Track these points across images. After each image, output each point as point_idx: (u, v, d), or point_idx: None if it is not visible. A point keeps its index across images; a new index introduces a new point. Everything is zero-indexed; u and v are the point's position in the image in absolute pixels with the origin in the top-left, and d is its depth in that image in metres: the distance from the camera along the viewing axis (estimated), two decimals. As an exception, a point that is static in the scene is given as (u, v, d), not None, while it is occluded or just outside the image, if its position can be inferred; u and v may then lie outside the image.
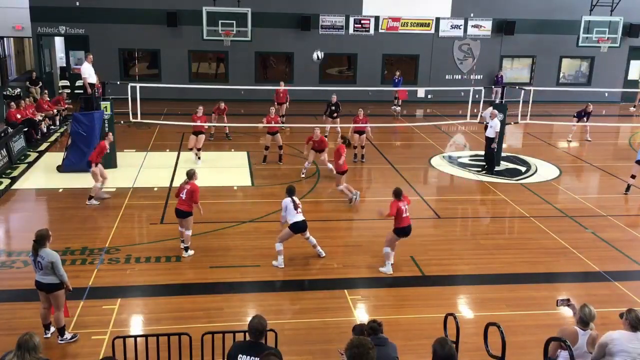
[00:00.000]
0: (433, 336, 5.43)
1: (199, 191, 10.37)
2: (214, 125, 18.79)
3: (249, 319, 8.56)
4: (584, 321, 6.19)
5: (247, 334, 6.34)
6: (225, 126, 19.19)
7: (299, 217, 10.16)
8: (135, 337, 7.26)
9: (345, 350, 4.70)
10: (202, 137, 16.54)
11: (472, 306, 9.37)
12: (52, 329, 8.04)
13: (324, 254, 10.70)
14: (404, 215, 9.93)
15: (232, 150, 18.22)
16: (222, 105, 18.78)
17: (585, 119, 20.08)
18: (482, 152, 17.38)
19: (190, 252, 10.62)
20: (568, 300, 6.61)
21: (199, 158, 16.51)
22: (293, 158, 17.18)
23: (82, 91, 16.62)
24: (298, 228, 10.21)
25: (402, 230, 10.05)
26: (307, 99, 23.06)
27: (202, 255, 10.66)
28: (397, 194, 9.92)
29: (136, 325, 8.52)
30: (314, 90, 22.54)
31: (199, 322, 8.29)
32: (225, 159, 17.27)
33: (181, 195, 10.36)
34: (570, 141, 20.57)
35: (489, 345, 6.87)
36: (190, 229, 10.56)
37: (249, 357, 5.37)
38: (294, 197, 10.20)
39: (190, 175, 10.48)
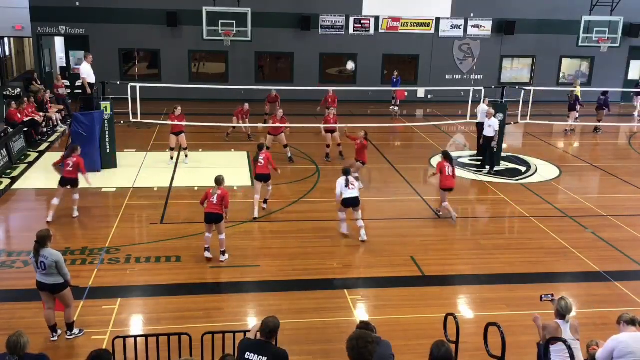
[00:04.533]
0: (433, 336, 5.45)
1: (229, 195, 10.47)
2: (233, 126, 18.70)
3: (249, 319, 8.71)
4: (561, 314, 6.40)
5: (246, 333, 6.40)
6: (248, 127, 19.13)
7: (352, 193, 11.37)
8: (135, 337, 7.26)
9: (346, 343, 4.78)
10: (183, 136, 16.42)
11: (472, 306, 9.38)
12: (59, 331, 8.01)
13: (365, 238, 11.47)
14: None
15: (232, 150, 18.21)
16: (247, 107, 18.56)
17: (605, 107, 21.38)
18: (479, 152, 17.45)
19: (227, 255, 10.57)
20: (552, 295, 6.77)
21: (186, 156, 16.52)
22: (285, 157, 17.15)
23: (81, 91, 16.62)
24: (348, 203, 11.39)
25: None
26: (308, 98, 23.05)
27: (202, 255, 10.64)
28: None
29: (136, 325, 8.52)
30: (314, 90, 22.58)
31: (199, 322, 8.29)
32: (225, 159, 17.26)
33: (211, 199, 10.27)
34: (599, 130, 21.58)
35: (489, 345, 6.88)
36: (224, 234, 10.51)
37: (256, 355, 5.38)
38: (349, 177, 11.43)
39: (220, 181, 10.47)
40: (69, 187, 12.18)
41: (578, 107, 21.78)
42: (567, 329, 6.33)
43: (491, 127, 15.93)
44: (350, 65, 16.73)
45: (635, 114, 25.60)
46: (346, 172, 11.58)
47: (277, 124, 16.78)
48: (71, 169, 12.08)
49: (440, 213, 12.99)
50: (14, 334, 5.59)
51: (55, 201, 12.13)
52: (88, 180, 12.42)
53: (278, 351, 5.51)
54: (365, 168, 16.47)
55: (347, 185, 11.37)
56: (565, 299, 6.46)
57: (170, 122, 16.29)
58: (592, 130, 21.99)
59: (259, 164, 12.57)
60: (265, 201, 13.11)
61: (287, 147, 16.89)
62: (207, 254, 10.54)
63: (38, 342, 7.54)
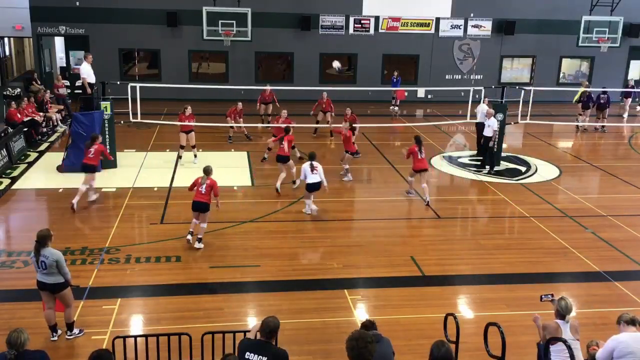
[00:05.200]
0: (433, 336, 5.45)
1: (217, 185, 10.80)
2: (230, 126, 18.69)
3: (249, 319, 8.71)
4: (560, 314, 6.42)
5: (246, 333, 6.40)
6: (243, 127, 19.06)
7: (314, 179, 12.17)
8: (135, 337, 7.26)
9: (345, 343, 4.79)
10: (193, 134, 16.40)
11: (472, 306, 9.38)
12: (59, 331, 8.02)
13: (315, 210, 12.48)
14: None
15: (232, 150, 18.21)
16: (240, 106, 18.43)
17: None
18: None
19: (202, 245, 10.85)
20: (552, 295, 6.78)
21: (195, 156, 16.46)
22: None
23: (81, 91, 16.62)
24: (312, 187, 12.20)
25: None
26: (308, 98, 23.03)
27: (202, 255, 10.66)
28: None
29: (136, 325, 8.53)
30: (314, 90, 22.61)
31: (199, 322, 8.29)
32: (225, 159, 17.26)
33: (200, 189, 10.64)
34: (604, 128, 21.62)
35: (489, 345, 6.88)
36: (206, 223, 10.86)
37: (256, 355, 5.38)
38: (313, 162, 12.24)
39: (208, 171, 10.79)
40: (89, 173, 12.94)
41: (591, 104, 22.05)
42: (567, 329, 6.33)
43: (490, 127, 15.92)
44: (336, 64, 16.92)
45: (625, 115, 25.27)
46: (311, 157, 12.42)
47: (282, 125, 16.63)
48: (92, 155, 12.84)
49: (412, 194, 13.79)
50: (15, 330, 5.67)
51: (83, 187, 12.79)
52: (109, 157, 13.77)
53: (278, 351, 5.51)
54: (365, 168, 16.50)
55: (312, 171, 12.21)
56: (565, 299, 6.47)
57: (179, 123, 16.27)
58: (599, 129, 21.93)
59: (281, 146, 14.01)
60: (293, 182, 14.40)
61: (295, 148, 16.87)
62: (189, 237, 10.89)
63: (38, 342, 7.54)
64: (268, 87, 21.14)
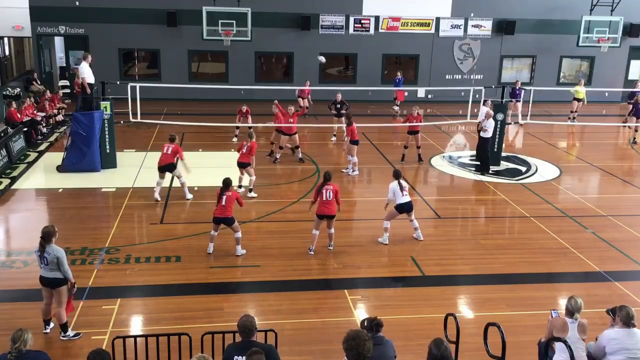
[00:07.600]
0: (433, 336, 5.45)
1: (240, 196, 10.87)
2: (237, 126, 18.68)
3: (248, 319, 8.67)
4: (570, 311, 6.45)
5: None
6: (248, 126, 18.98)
7: (405, 199, 11.10)
8: (135, 337, 7.25)
9: (343, 343, 4.80)
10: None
11: (472, 306, 9.37)
12: (52, 324, 8.09)
13: (422, 238, 11.54)
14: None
15: (232, 150, 18.19)
16: (244, 108, 18.32)
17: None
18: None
19: (244, 250, 10.78)
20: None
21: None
22: (291, 157, 17.14)
23: (80, 90, 16.59)
24: (402, 209, 11.17)
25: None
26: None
27: (202, 255, 10.65)
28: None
29: (136, 325, 8.53)
30: (314, 89, 22.66)
31: (199, 322, 8.29)
32: (226, 159, 17.23)
33: (221, 202, 10.36)
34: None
35: (489, 345, 6.88)
36: (239, 231, 10.67)
37: (243, 357, 5.41)
38: (401, 180, 11.15)
39: (229, 184, 10.50)
40: (166, 172, 13.38)
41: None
42: (574, 327, 6.32)
43: (487, 129, 15.81)
44: (321, 59, 16.60)
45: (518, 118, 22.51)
46: (397, 175, 11.31)
47: (290, 123, 16.44)
48: (170, 153, 13.24)
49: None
50: (20, 329, 5.73)
51: (160, 181, 13.44)
52: (187, 166, 13.51)
53: (264, 346, 5.67)
54: (366, 168, 16.48)
55: (401, 190, 11.13)
56: (575, 297, 6.51)
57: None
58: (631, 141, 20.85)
59: (243, 152, 13.79)
60: (250, 190, 13.94)
61: (299, 148, 16.84)
62: (210, 249, 10.75)
63: (39, 342, 7.53)
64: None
